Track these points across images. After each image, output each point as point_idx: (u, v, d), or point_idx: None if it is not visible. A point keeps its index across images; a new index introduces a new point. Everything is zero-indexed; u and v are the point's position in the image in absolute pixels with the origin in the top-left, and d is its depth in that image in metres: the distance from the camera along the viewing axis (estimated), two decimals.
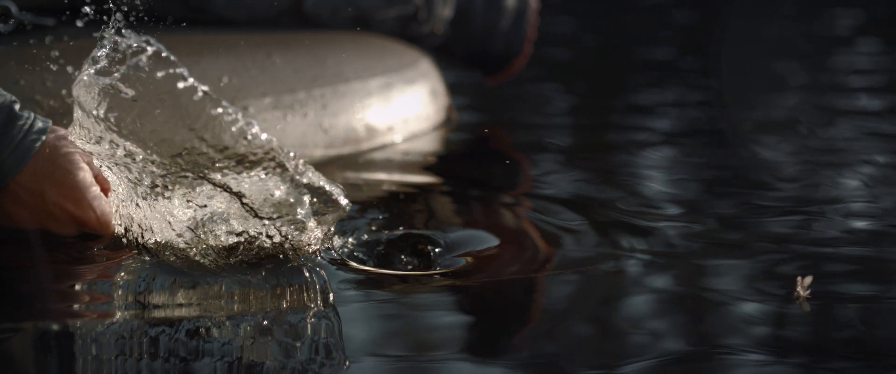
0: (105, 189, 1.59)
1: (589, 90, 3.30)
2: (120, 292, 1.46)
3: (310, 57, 2.29)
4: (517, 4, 2.70)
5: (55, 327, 1.36)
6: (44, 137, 1.55)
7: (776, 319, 1.47)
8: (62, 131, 1.57)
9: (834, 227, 1.86)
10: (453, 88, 2.70)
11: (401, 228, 1.71)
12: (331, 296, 1.46)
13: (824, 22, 4.47)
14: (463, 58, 2.74)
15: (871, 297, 1.55)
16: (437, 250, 1.64)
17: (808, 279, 1.52)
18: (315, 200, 1.45)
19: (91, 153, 1.53)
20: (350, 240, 1.62)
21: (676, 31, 4.36)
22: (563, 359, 1.34)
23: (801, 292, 1.51)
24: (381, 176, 2.16)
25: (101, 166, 1.55)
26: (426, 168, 2.29)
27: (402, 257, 1.62)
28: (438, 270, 1.58)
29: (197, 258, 1.49)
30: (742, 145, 2.51)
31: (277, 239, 1.48)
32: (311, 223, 1.47)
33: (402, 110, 2.40)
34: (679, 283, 1.60)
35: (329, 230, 1.49)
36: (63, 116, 1.79)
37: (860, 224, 1.88)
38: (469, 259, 1.62)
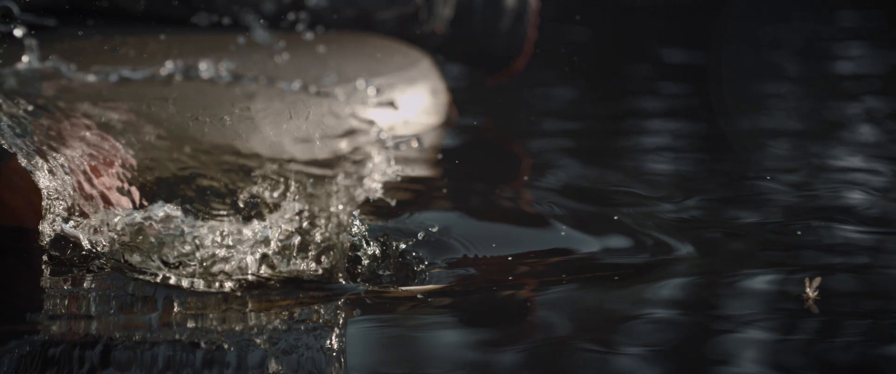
0: (108, 164, 1.55)
1: (590, 90, 3.29)
2: (117, 304, 1.45)
3: (311, 57, 2.28)
4: (517, 4, 2.70)
5: (54, 338, 1.35)
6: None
7: (780, 330, 1.46)
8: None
9: (837, 233, 1.85)
10: (454, 88, 2.69)
11: (400, 238, 1.69)
12: (331, 313, 1.45)
13: (832, 22, 4.46)
14: (463, 57, 2.74)
15: (875, 310, 1.54)
16: (436, 261, 1.63)
17: (817, 280, 1.51)
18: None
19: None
20: (352, 247, 1.61)
21: (680, 33, 4.35)
22: None
23: (810, 294, 1.51)
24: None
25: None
26: (427, 167, 2.29)
27: (405, 262, 1.61)
28: (437, 285, 1.57)
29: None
30: (745, 149, 2.51)
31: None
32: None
33: (403, 110, 2.40)
34: (681, 290, 1.59)
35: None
36: None
37: (864, 230, 1.87)
38: (471, 269, 1.62)
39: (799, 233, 1.83)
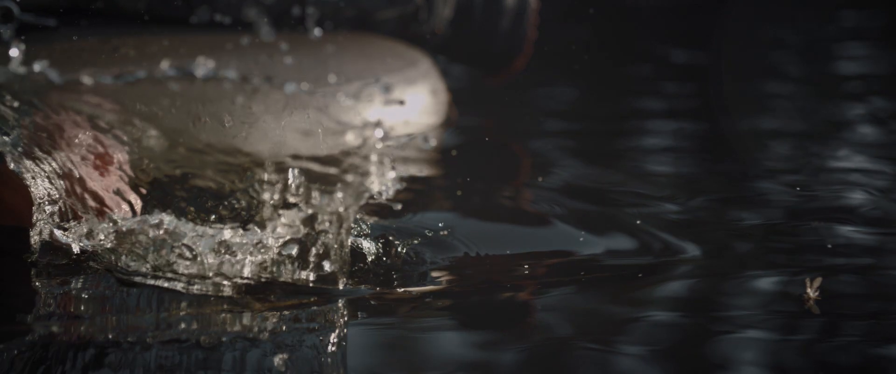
0: (105, 164, 1.54)
1: (591, 90, 3.29)
2: (115, 306, 1.44)
3: (311, 57, 2.28)
4: (517, 4, 2.70)
5: (53, 339, 1.35)
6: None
7: (781, 331, 1.45)
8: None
9: (839, 234, 1.85)
10: (454, 88, 2.69)
11: (401, 238, 1.69)
12: (332, 314, 1.45)
13: (834, 22, 4.45)
14: (463, 58, 2.74)
15: (877, 311, 1.54)
16: (437, 261, 1.63)
17: (818, 280, 1.51)
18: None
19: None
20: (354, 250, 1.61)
21: (681, 33, 4.35)
22: None
23: (811, 294, 1.50)
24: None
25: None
26: (427, 167, 2.29)
27: (403, 267, 1.61)
28: (438, 286, 1.56)
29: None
30: (746, 150, 2.50)
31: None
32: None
33: (403, 110, 2.40)
34: (683, 291, 1.59)
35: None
36: None
37: (865, 230, 1.87)
38: (472, 270, 1.61)
39: (830, 246, 1.80)
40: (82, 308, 1.44)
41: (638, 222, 1.83)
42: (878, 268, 1.70)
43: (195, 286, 1.47)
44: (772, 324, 1.46)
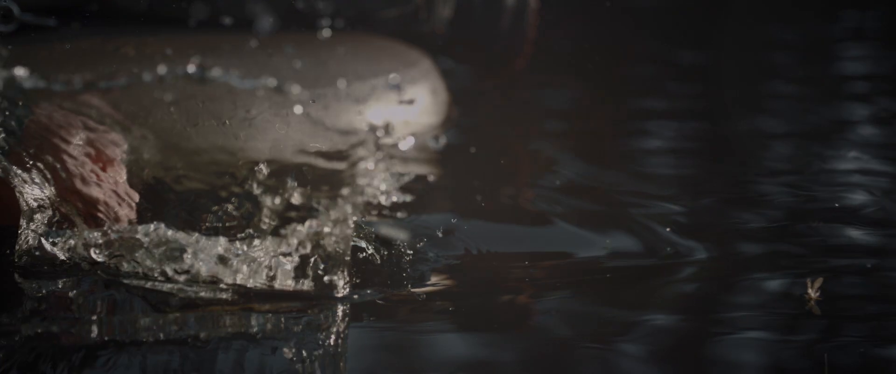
0: (103, 166, 1.54)
1: (591, 91, 3.29)
2: (116, 308, 1.44)
3: (311, 57, 2.28)
4: (517, 4, 2.70)
5: (52, 341, 1.35)
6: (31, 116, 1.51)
7: (782, 332, 1.45)
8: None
9: (841, 235, 1.85)
10: (454, 88, 2.69)
11: (403, 239, 1.68)
12: (333, 316, 1.45)
13: (836, 23, 4.45)
14: (463, 57, 2.74)
15: (878, 312, 1.54)
16: (439, 262, 1.62)
17: (819, 281, 1.51)
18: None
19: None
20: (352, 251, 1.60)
21: (684, 35, 4.35)
22: None
23: (812, 294, 1.50)
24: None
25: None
26: (427, 168, 2.28)
27: (406, 272, 1.60)
28: (440, 287, 1.56)
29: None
30: (748, 152, 2.50)
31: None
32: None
33: (402, 110, 2.40)
34: (684, 295, 1.58)
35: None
36: None
37: (867, 231, 1.87)
38: (473, 271, 1.61)
39: (869, 266, 1.79)
40: (81, 310, 1.43)
41: (668, 229, 1.83)
42: (880, 269, 1.70)
43: (192, 288, 1.46)
44: (773, 325, 1.46)
